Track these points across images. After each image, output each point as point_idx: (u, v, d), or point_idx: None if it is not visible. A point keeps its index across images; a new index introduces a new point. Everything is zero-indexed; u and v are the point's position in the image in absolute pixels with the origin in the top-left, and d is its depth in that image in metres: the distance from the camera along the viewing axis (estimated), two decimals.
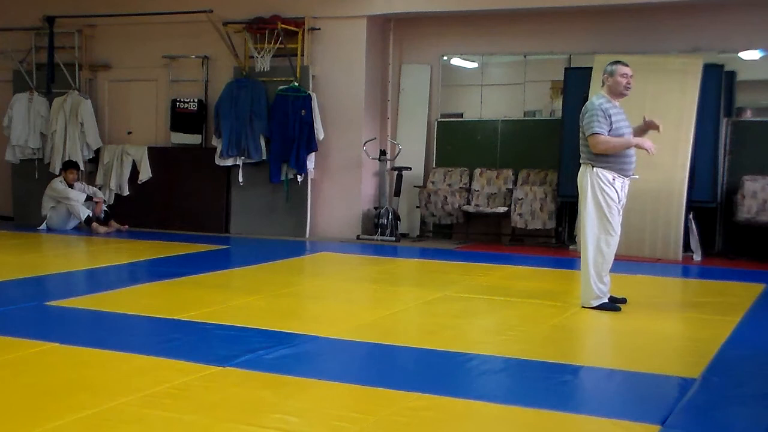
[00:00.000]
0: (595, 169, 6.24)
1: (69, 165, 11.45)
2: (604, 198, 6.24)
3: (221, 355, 4.78)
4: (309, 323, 6.00)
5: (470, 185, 10.92)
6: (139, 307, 6.31)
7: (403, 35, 11.36)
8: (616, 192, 6.27)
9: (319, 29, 10.97)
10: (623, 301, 6.51)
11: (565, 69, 10.42)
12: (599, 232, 6.28)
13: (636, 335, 5.78)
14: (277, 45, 10.84)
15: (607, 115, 6.19)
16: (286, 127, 10.81)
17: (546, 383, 4.45)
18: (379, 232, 10.75)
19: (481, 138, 11.10)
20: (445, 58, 11.36)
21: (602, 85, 6.40)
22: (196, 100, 11.55)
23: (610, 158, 6.23)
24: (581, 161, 6.38)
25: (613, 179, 6.25)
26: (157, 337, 5.45)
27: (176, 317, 5.84)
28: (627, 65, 6.35)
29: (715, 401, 4.24)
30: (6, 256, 9.12)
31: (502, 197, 10.70)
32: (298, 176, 10.86)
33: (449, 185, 10.94)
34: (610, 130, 6.20)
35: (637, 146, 6.30)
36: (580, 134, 6.36)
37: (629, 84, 6.32)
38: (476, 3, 10.45)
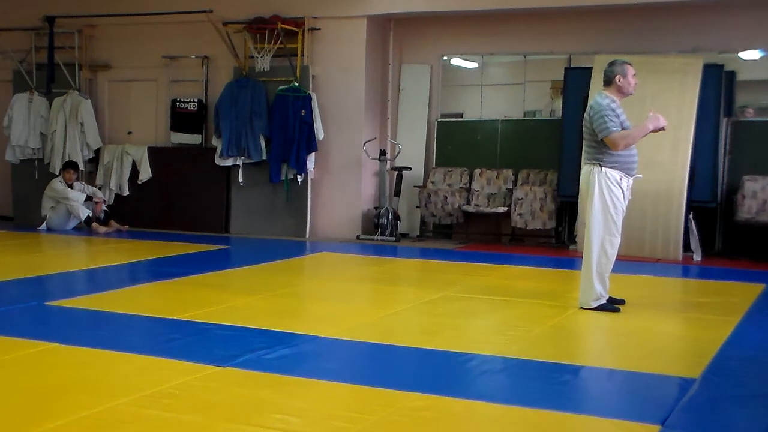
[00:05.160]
0: (603, 169, 6.20)
1: (67, 165, 11.45)
2: (612, 198, 6.22)
3: (221, 355, 4.78)
4: (309, 323, 6.01)
5: (470, 185, 10.92)
6: (139, 307, 6.31)
7: (403, 35, 11.37)
8: (622, 192, 6.26)
9: (319, 29, 10.98)
10: (622, 302, 6.50)
11: (565, 69, 10.42)
12: (604, 232, 6.25)
13: (636, 335, 5.78)
14: (277, 45, 10.84)
15: (617, 113, 6.19)
16: (286, 127, 10.81)
17: (546, 383, 4.45)
18: (379, 232, 10.75)
19: (481, 138, 11.10)
20: (445, 58, 11.36)
21: (609, 84, 6.30)
22: (196, 100, 11.55)
23: (619, 157, 6.19)
24: (586, 161, 6.34)
25: (620, 179, 6.22)
26: (157, 337, 5.46)
27: (176, 317, 5.84)
28: (632, 65, 6.36)
29: (715, 401, 4.24)
30: (6, 256, 9.12)
31: (502, 197, 10.70)
32: (298, 176, 10.86)
33: (449, 185, 10.94)
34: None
35: (655, 129, 6.28)
36: (585, 135, 6.32)
37: (637, 83, 6.34)
38: (476, 3, 10.45)
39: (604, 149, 6.21)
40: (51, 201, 11.35)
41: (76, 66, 12.01)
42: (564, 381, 4.54)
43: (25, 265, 8.34)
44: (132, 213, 11.61)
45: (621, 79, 6.28)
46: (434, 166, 11.23)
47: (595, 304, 6.31)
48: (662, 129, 6.38)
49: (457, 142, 11.21)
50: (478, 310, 6.58)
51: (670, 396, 4.23)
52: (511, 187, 10.67)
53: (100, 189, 11.68)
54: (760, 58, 10.06)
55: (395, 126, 11.45)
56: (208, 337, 5.32)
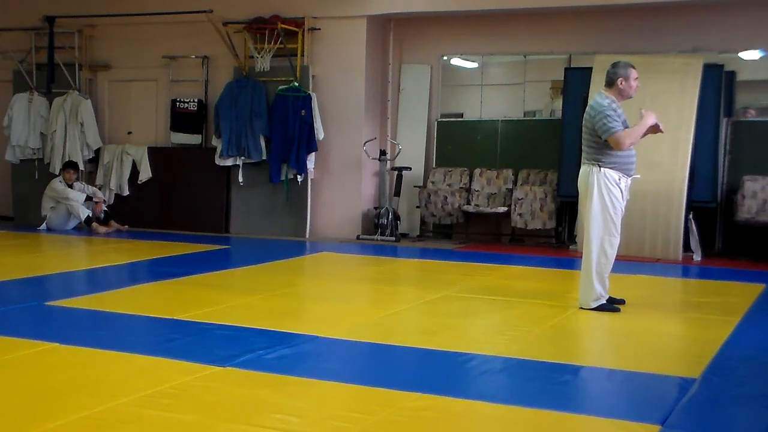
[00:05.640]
0: (602, 169, 6.19)
1: (67, 165, 11.46)
2: (611, 198, 6.22)
3: (221, 355, 4.78)
4: (309, 323, 6.01)
5: (470, 185, 10.92)
6: (139, 307, 6.31)
7: (403, 35, 11.37)
8: (621, 192, 6.26)
9: (319, 29, 10.97)
10: (622, 302, 6.50)
11: (565, 69, 10.42)
12: (603, 233, 6.25)
13: (636, 335, 5.78)
14: (277, 45, 10.84)
15: (618, 113, 6.19)
16: (286, 127, 10.81)
17: (546, 383, 4.45)
18: (379, 232, 10.74)
19: (481, 138, 11.10)
20: (445, 58, 11.36)
21: (611, 86, 6.29)
22: (196, 100, 11.55)
23: (618, 158, 6.19)
24: (585, 161, 6.32)
25: (619, 179, 6.22)
26: (157, 337, 5.46)
27: (176, 317, 5.84)
28: (635, 68, 6.36)
29: (715, 401, 4.24)
30: (6, 256, 9.12)
31: (502, 197, 10.70)
32: (298, 176, 10.86)
33: (449, 185, 10.94)
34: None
35: (654, 127, 6.30)
36: (584, 135, 6.32)
37: (638, 87, 6.35)
38: (476, 3, 10.45)
39: (603, 149, 6.21)
40: (51, 201, 11.35)
41: (76, 66, 12.01)
42: (564, 381, 4.55)
43: (25, 265, 8.34)
44: (132, 213, 11.61)
45: (623, 82, 6.27)
46: (434, 166, 11.23)
47: (594, 304, 6.31)
48: (658, 129, 6.38)
49: (457, 142, 11.21)
50: (478, 310, 6.58)
51: (670, 396, 4.23)
52: (511, 187, 10.67)
53: (100, 189, 11.68)
54: (760, 58, 10.06)
55: (395, 126, 11.45)
56: (208, 337, 5.32)
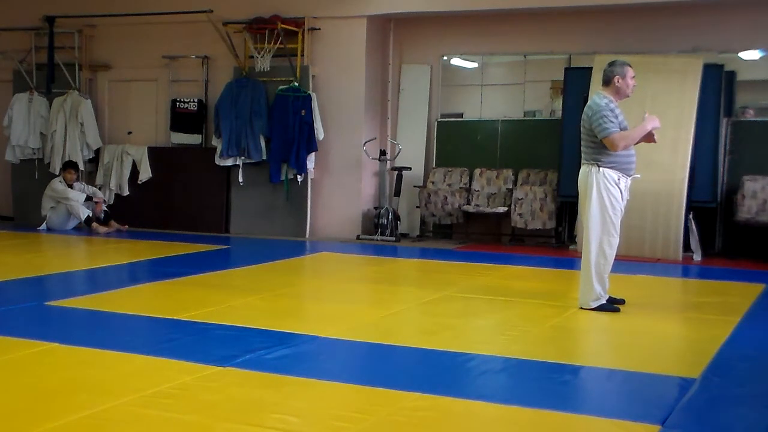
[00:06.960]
0: (601, 169, 6.19)
1: (68, 165, 11.46)
2: (609, 198, 6.21)
3: (221, 355, 4.78)
4: (309, 323, 6.01)
5: (470, 185, 10.92)
6: (139, 307, 6.31)
7: (403, 35, 11.37)
8: (620, 192, 6.25)
9: (319, 29, 10.98)
10: (622, 301, 6.50)
11: (565, 69, 10.42)
12: (602, 233, 6.25)
13: (636, 335, 5.78)
14: (277, 45, 10.84)
15: (615, 114, 6.19)
16: (286, 127, 10.81)
17: (546, 383, 4.45)
18: (379, 232, 10.75)
19: (481, 138, 11.10)
20: (445, 58, 11.36)
21: (608, 84, 6.29)
22: (196, 100, 11.55)
23: (617, 157, 6.19)
24: (584, 161, 6.33)
25: (618, 179, 6.22)
26: (157, 337, 5.46)
27: (176, 317, 5.84)
28: (632, 67, 6.36)
29: (715, 401, 4.24)
30: (6, 256, 9.12)
31: (502, 197, 10.70)
32: (298, 176, 10.86)
33: (449, 185, 10.94)
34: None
35: (654, 129, 6.30)
36: (583, 135, 6.32)
37: (635, 86, 6.34)
38: (476, 3, 10.45)
39: (602, 149, 6.21)
40: (51, 201, 11.35)
41: (76, 66, 12.01)
42: (564, 381, 4.55)
43: (25, 265, 8.33)
44: (132, 213, 11.60)
45: (620, 80, 6.28)
46: (434, 166, 11.23)
47: (594, 304, 6.31)
48: (651, 139, 6.38)
49: (457, 142, 11.21)
50: (478, 310, 6.58)
51: (670, 396, 4.23)
52: (511, 187, 10.67)
53: (100, 189, 11.69)
54: (760, 58, 10.06)
55: (395, 126, 11.45)
56: (208, 337, 5.32)
